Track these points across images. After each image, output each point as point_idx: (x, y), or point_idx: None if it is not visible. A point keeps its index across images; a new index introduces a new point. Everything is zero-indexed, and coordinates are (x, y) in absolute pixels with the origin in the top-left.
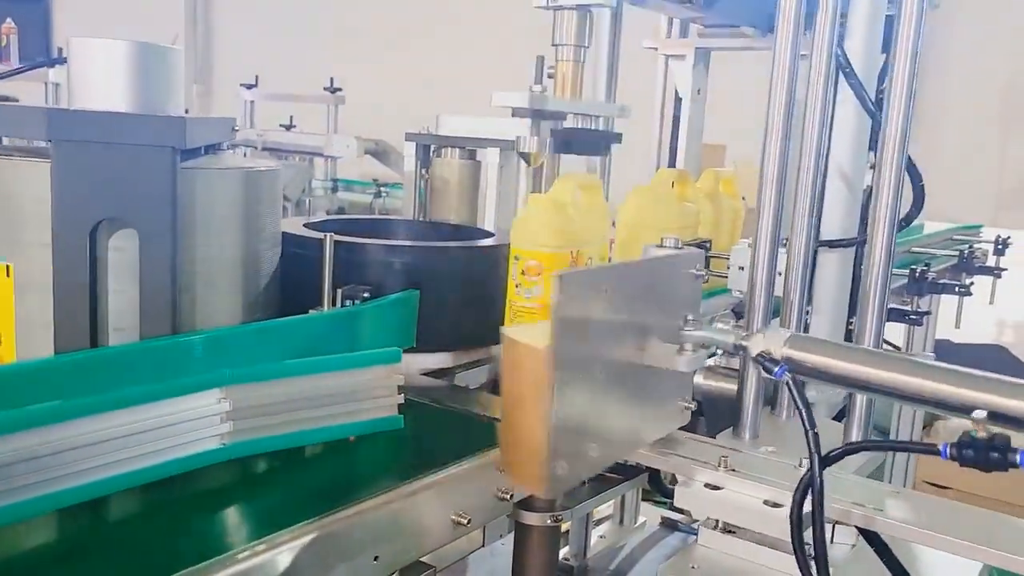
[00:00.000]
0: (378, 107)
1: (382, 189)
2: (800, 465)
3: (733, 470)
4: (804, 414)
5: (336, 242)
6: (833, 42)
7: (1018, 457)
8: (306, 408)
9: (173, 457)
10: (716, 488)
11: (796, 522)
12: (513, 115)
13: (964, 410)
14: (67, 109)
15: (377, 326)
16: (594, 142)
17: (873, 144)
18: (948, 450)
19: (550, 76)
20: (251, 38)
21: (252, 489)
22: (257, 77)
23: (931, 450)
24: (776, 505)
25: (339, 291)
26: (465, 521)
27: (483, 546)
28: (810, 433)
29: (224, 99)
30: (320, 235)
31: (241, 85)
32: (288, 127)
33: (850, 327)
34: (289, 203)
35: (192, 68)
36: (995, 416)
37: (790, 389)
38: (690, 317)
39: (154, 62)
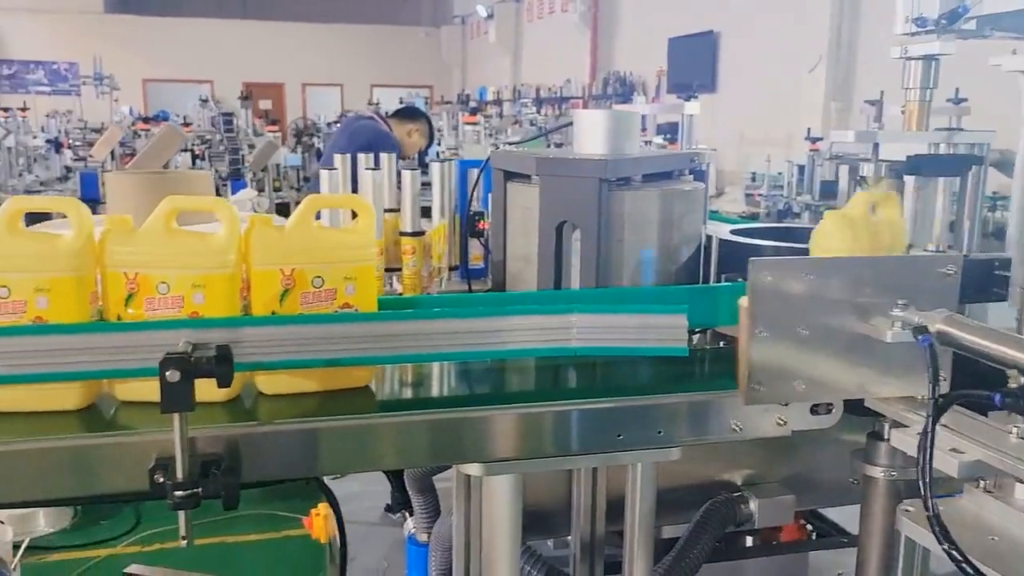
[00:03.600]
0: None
1: (997, 202)
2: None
3: (945, 425)
4: (931, 372)
5: (724, 240)
6: None
7: None
8: (621, 333)
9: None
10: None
11: (922, 456)
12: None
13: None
14: (545, 157)
15: (727, 300)
16: (950, 165)
17: None
18: (999, 399)
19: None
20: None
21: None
22: (882, 92)
23: (988, 399)
24: (958, 452)
25: (723, 276)
26: (738, 428)
27: None
28: (930, 385)
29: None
30: (711, 235)
31: (865, 101)
32: None
33: None
34: None
35: (831, 87)
36: None
37: (927, 353)
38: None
39: (620, 122)
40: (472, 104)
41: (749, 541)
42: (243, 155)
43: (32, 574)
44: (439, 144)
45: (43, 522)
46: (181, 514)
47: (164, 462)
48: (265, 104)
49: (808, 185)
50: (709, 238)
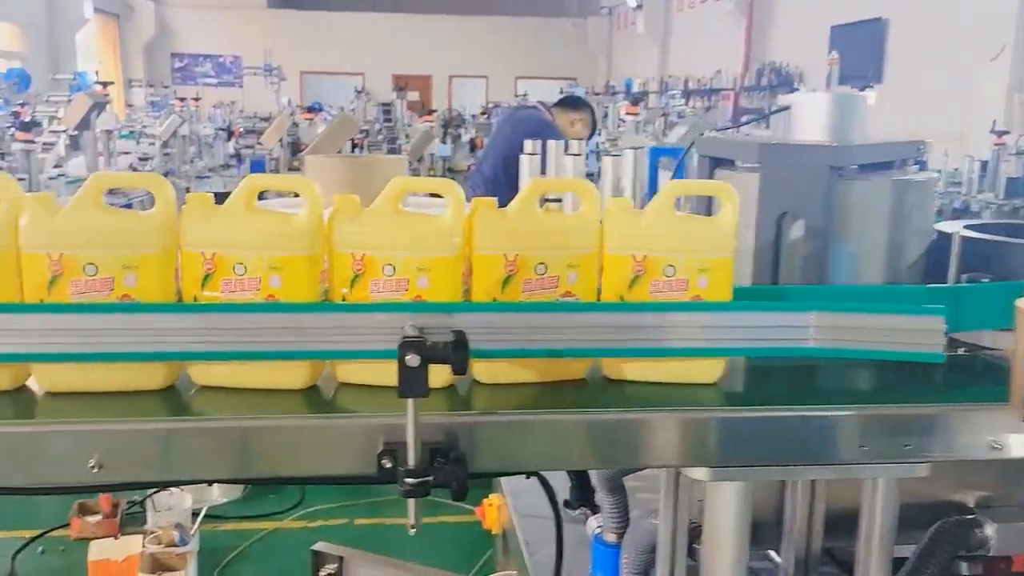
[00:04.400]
0: None
1: None
2: None
3: None
4: None
5: (967, 238)
6: None
7: None
8: (867, 335)
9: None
10: None
11: None
12: None
13: None
14: (768, 143)
15: (972, 303)
16: None
17: None
18: None
19: None
20: None
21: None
22: None
23: None
24: None
25: (963, 276)
26: (997, 447)
27: None
28: None
29: None
30: (952, 232)
31: None
32: None
33: None
34: None
35: (1017, 77)
36: None
37: None
38: None
39: (846, 106)
40: (621, 96)
41: (965, 568)
42: (400, 144)
43: (208, 541)
44: (599, 134)
45: (217, 492)
46: (411, 502)
47: (392, 447)
48: (412, 95)
49: (991, 182)
50: (946, 235)
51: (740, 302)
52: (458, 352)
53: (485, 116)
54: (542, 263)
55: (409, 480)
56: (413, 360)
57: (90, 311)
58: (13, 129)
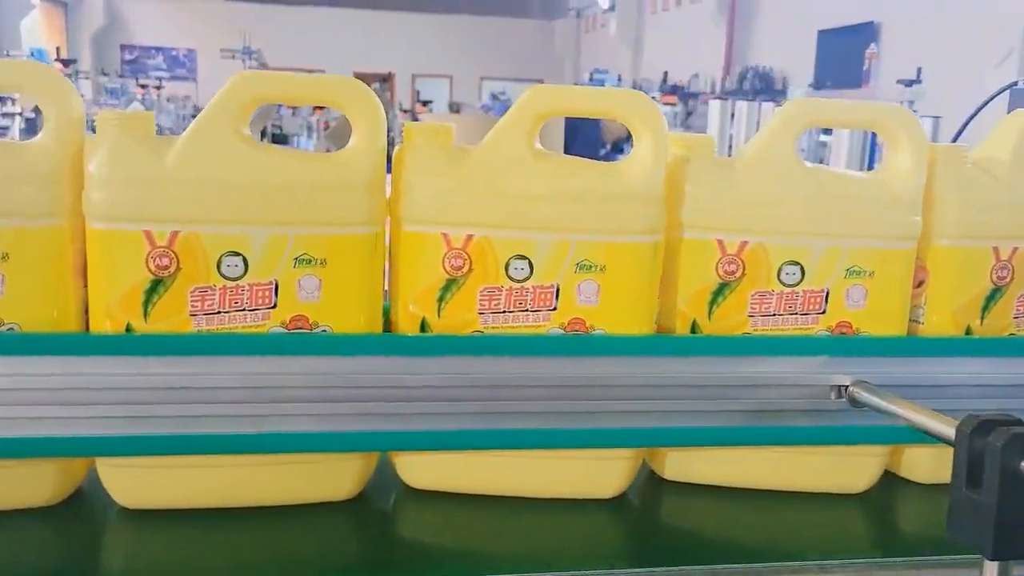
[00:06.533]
0: None
1: None
2: None
3: None
4: None
5: None
6: None
7: None
8: None
9: None
10: None
11: None
12: None
13: None
14: None
15: None
16: None
17: None
18: None
19: None
20: None
21: None
22: None
23: None
24: None
25: None
26: None
27: None
28: None
29: None
30: None
31: None
32: None
33: None
34: None
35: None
36: None
37: None
38: None
39: None
40: None
41: None
42: (392, 136)
43: None
44: None
45: None
46: None
47: None
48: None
49: None
50: None
51: None
52: None
53: (457, 113)
54: None
55: None
56: None
57: (231, 351)
58: None
